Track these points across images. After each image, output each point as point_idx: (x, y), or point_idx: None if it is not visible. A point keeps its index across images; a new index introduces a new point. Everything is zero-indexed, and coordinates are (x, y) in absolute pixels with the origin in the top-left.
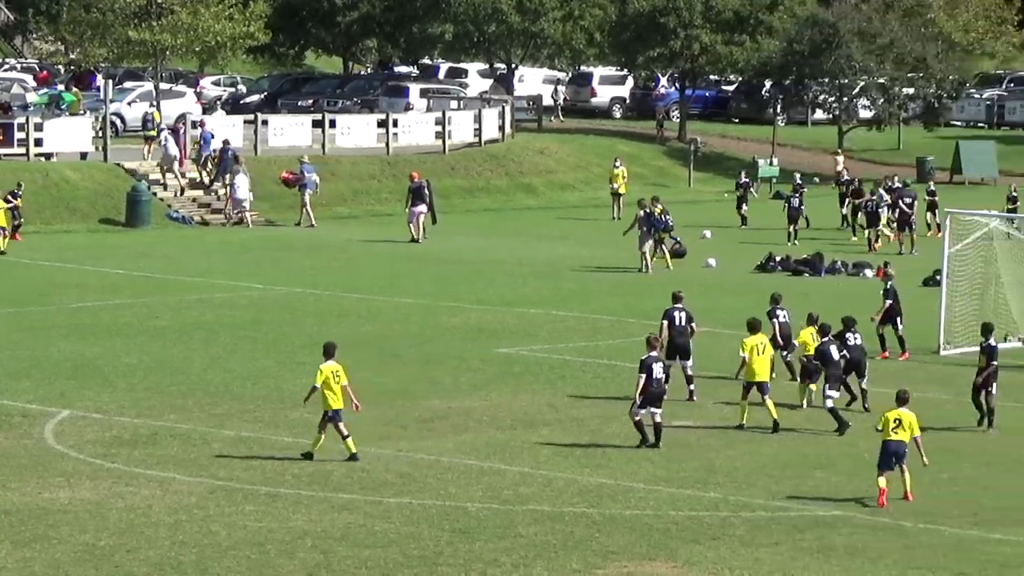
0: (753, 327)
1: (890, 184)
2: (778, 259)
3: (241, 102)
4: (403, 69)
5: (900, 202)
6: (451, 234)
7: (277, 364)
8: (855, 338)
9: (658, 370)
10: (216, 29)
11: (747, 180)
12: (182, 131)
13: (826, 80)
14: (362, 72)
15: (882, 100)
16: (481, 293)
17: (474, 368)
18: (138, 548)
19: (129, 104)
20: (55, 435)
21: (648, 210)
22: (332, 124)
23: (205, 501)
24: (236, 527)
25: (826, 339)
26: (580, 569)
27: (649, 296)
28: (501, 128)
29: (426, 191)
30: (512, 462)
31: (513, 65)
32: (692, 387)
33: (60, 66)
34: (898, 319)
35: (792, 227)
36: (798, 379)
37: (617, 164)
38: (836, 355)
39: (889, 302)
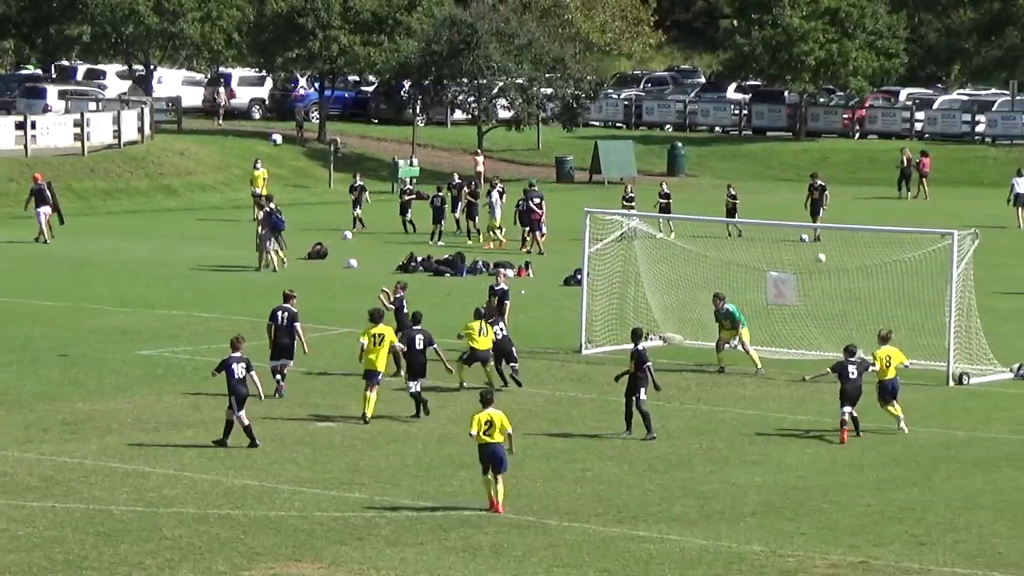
0: (374, 317)
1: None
2: (420, 259)
3: None
4: (41, 71)
5: (528, 202)
6: (92, 236)
7: None
8: (502, 331)
9: (239, 370)
10: None
11: (411, 188)
12: None
13: (465, 81)
14: None
15: (521, 100)
16: (123, 295)
17: (117, 370)
18: None
19: None
20: None
21: (269, 209)
22: None
23: None
24: None
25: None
26: (226, 571)
27: None
28: (140, 129)
29: (48, 192)
30: (157, 464)
31: (152, 66)
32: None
33: None
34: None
35: (470, 223)
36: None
37: (257, 165)
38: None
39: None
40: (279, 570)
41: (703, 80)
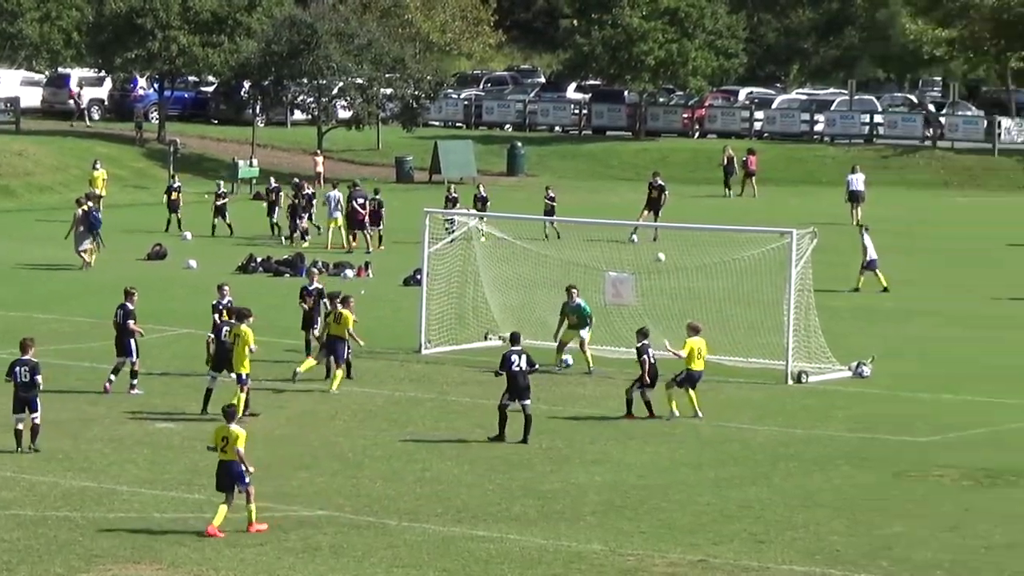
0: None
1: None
2: (259, 260)
3: None
4: None
5: (353, 202)
6: None
7: None
8: None
9: (22, 373)
10: None
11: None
12: None
13: (305, 81)
14: None
15: (360, 100)
16: None
17: None
18: None
19: None
20: None
21: (88, 207)
22: None
23: None
24: None
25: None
26: (64, 573)
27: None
28: None
29: None
30: None
31: None
32: (135, 381)
33: None
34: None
35: (298, 224)
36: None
37: (97, 166)
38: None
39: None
40: (118, 572)
41: (543, 80)
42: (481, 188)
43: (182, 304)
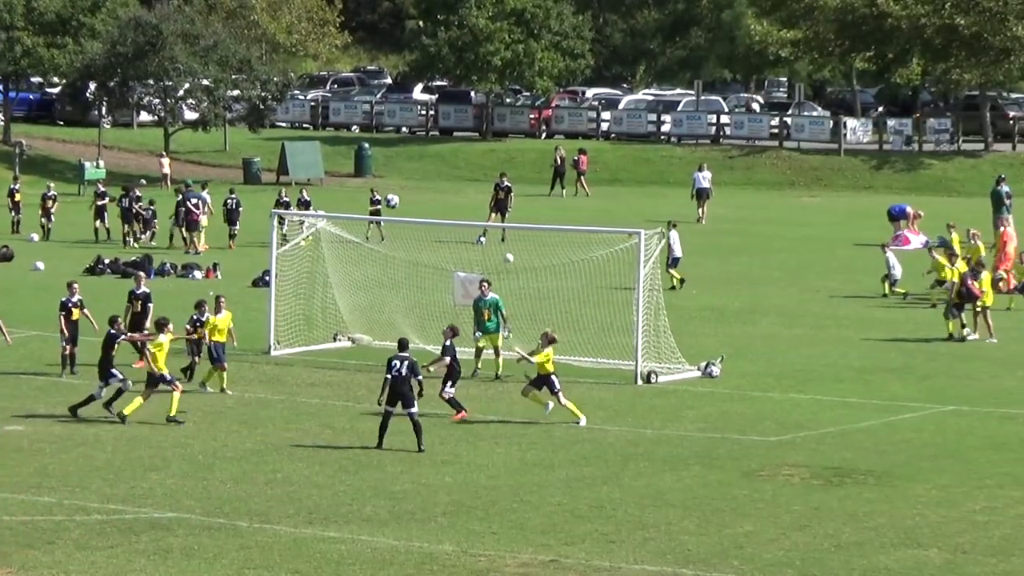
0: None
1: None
2: (107, 262)
3: None
4: None
5: (187, 203)
6: None
7: None
8: None
9: None
10: None
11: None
12: None
13: (151, 82)
14: None
15: (207, 102)
16: None
17: None
18: None
19: None
20: None
21: None
22: None
23: None
24: None
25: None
26: None
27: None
28: None
29: None
30: None
31: None
32: None
33: None
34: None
35: (128, 227)
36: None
37: None
38: None
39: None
40: None
41: (389, 81)
42: (304, 192)
43: (30, 306)
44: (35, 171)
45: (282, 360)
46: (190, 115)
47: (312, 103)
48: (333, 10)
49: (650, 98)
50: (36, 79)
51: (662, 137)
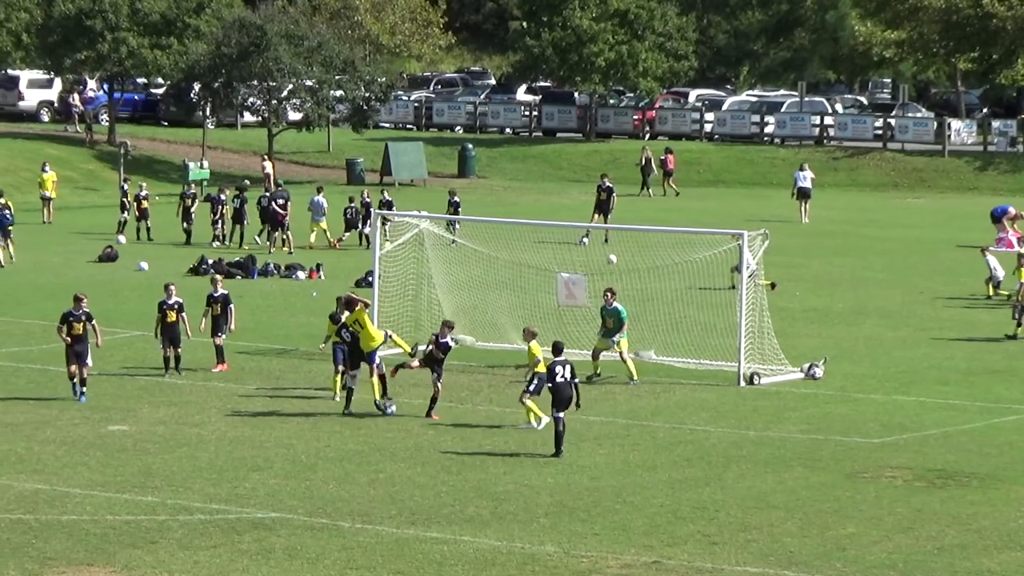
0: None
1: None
2: (211, 262)
3: None
4: None
5: (273, 203)
6: None
7: None
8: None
9: None
10: None
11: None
12: None
13: (255, 83)
14: None
15: (311, 102)
16: None
17: None
18: None
19: None
20: None
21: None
22: None
23: None
24: None
25: None
26: None
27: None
28: None
29: None
30: None
31: None
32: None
33: None
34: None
35: (239, 228)
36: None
37: (46, 168)
38: None
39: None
40: (71, 574)
41: (493, 82)
42: (385, 193)
43: (134, 306)
44: (139, 171)
45: (386, 360)
46: (294, 116)
47: (416, 104)
48: (437, 11)
49: (754, 99)
50: (141, 80)
51: (765, 138)
